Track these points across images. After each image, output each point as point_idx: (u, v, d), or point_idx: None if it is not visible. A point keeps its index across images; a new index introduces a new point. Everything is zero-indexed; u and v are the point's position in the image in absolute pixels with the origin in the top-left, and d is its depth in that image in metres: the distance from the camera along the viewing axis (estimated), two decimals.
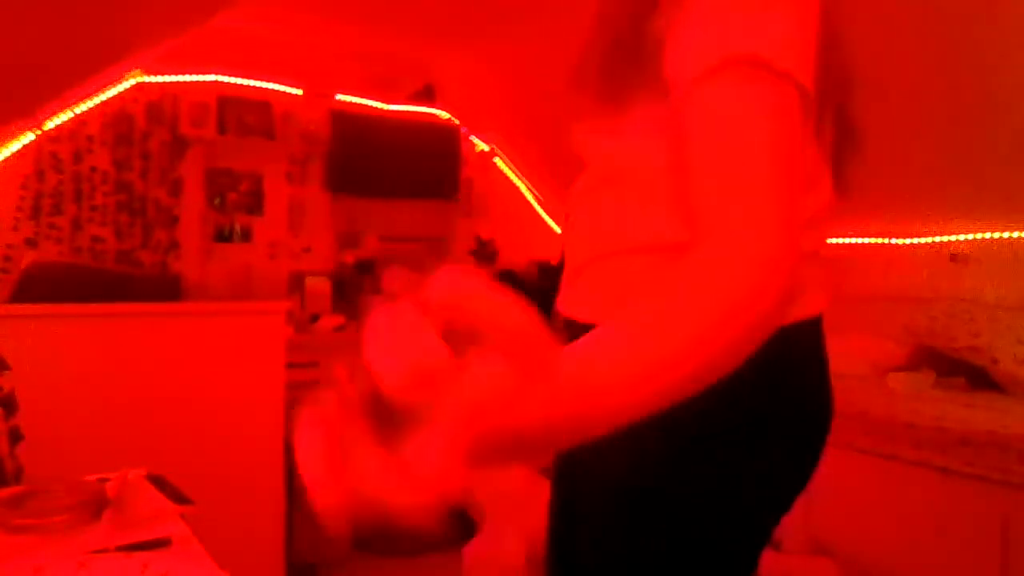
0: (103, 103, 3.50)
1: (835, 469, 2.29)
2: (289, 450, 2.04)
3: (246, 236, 4.00)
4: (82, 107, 3.43)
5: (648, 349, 0.40)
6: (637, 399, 0.39)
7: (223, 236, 3.93)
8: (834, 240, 3.11)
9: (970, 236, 2.92)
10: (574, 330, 0.74)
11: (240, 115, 3.91)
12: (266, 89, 4.02)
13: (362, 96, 4.34)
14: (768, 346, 0.49)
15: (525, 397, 0.34)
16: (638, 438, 0.55)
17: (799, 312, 0.66)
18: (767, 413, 0.65)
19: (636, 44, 0.59)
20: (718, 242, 0.46)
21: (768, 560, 1.75)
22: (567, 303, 0.77)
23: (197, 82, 3.78)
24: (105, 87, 3.44)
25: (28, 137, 3.31)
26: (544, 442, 0.38)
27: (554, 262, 4.16)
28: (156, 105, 3.65)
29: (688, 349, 0.41)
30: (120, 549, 0.78)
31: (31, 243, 3.34)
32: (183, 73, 3.74)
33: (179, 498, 0.95)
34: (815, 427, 0.68)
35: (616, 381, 0.39)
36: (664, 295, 0.43)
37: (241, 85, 3.93)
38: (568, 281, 0.78)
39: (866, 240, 3.19)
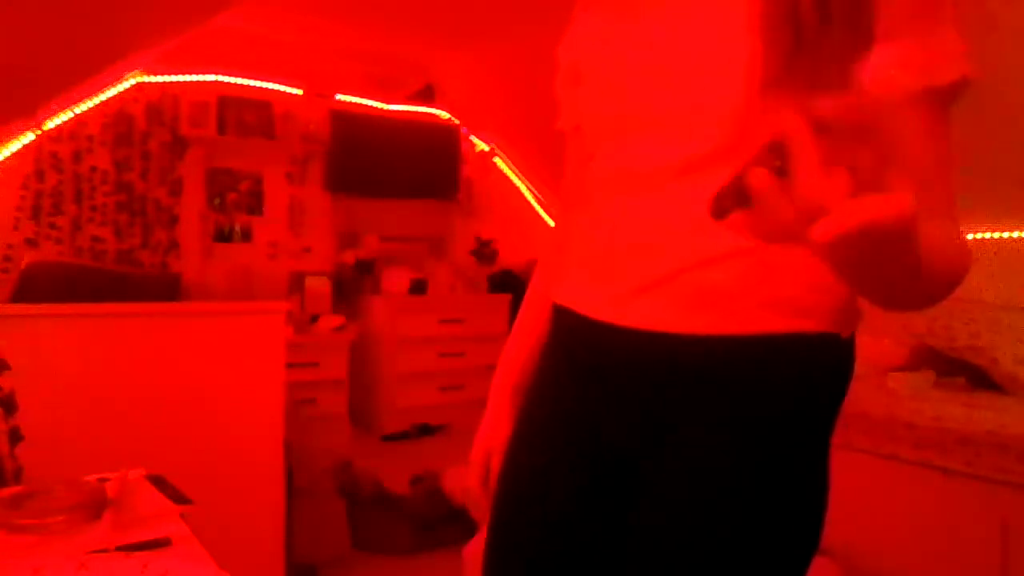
0: (103, 103, 3.50)
1: (835, 469, 2.29)
2: (289, 449, 2.04)
3: (246, 236, 4.00)
4: (82, 107, 3.43)
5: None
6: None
7: (223, 236, 3.93)
8: None
9: (970, 236, 2.92)
10: (643, 341, 0.67)
11: (240, 115, 3.91)
12: (266, 89, 4.02)
13: (362, 96, 4.34)
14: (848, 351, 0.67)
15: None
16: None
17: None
18: (837, 411, 0.70)
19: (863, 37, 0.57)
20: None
21: None
22: (645, 311, 0.67)
23: (197, 82, 3.78)
24: (105, 87, 3.44)
25: (28, 137, 3.31)
26: (905, 259, 0.45)
27: None
28: (156, 105, 3.65)
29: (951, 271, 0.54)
30: (120, 549, 0.78)
31: (31, 243, 3.34)
32: (183, 73, 3.74)
33: (179, 498, 0.95)
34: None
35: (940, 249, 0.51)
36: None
37: (241, 85, 3.93)
38: (644, 283, 0.67)
39: None
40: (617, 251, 0.71)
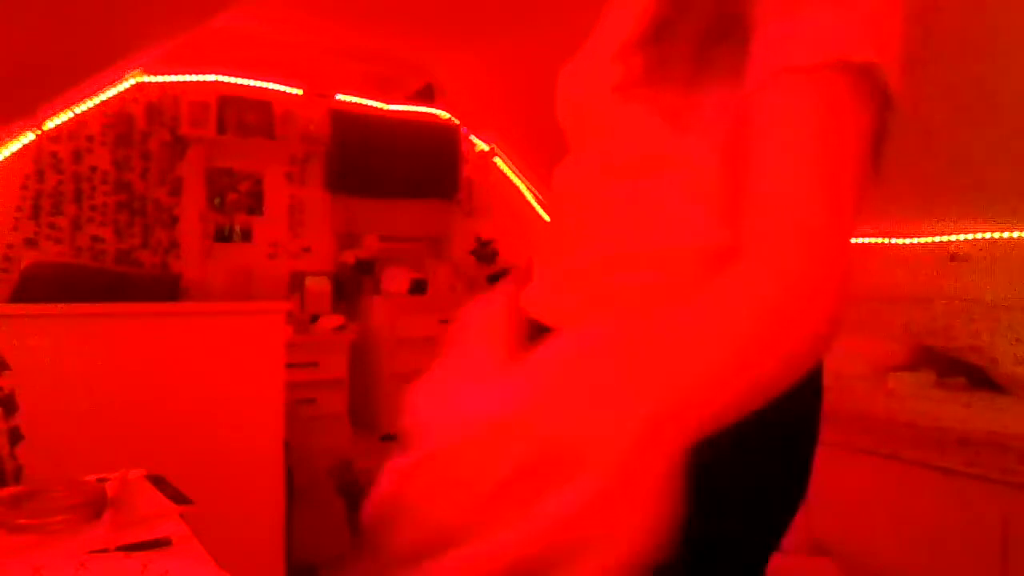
0: (103, 103, 3.50)
1: (835, 469, 2.30)
2: (289, 449, 2.04)
3: (246, 236, 4.00)
4: (82, 107, 3.42)
5: (692, 367, 0.36)
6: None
7: (223, 236, 3.93)
8: None
9: (970, 236, 2.92)
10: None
11: (240, 115, 3.91)
12: (266, 89, 4.02)
13: (362, 96, 4.34)
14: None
15: None
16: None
17: None
18: (808, 410, 0.66)
19: (727, 21, 0.52)
20: (771, 252, 0.44)
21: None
22: (561, 310, 0.68)
23: (197, 82, 3.78)
24: (105, 87, 3.44)
25: (28, 137, 3.31)
26: None
27: None
28: (156, 105, 3.65)
29: (730, 369, 0.38)
30: (120, 549, 0.78)
31: (31, 243, 3.34)
32: (183, 73, 3.73)
33: (179, 498, 0.95)
34: (818, 425, 0.69)
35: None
36: (701, 309, 0.40)
37: (241, 85, 3.93)
38: (564, 282, 0.69)
39: (866, 240, 3.19)
40: (546, 251, 0.75)
